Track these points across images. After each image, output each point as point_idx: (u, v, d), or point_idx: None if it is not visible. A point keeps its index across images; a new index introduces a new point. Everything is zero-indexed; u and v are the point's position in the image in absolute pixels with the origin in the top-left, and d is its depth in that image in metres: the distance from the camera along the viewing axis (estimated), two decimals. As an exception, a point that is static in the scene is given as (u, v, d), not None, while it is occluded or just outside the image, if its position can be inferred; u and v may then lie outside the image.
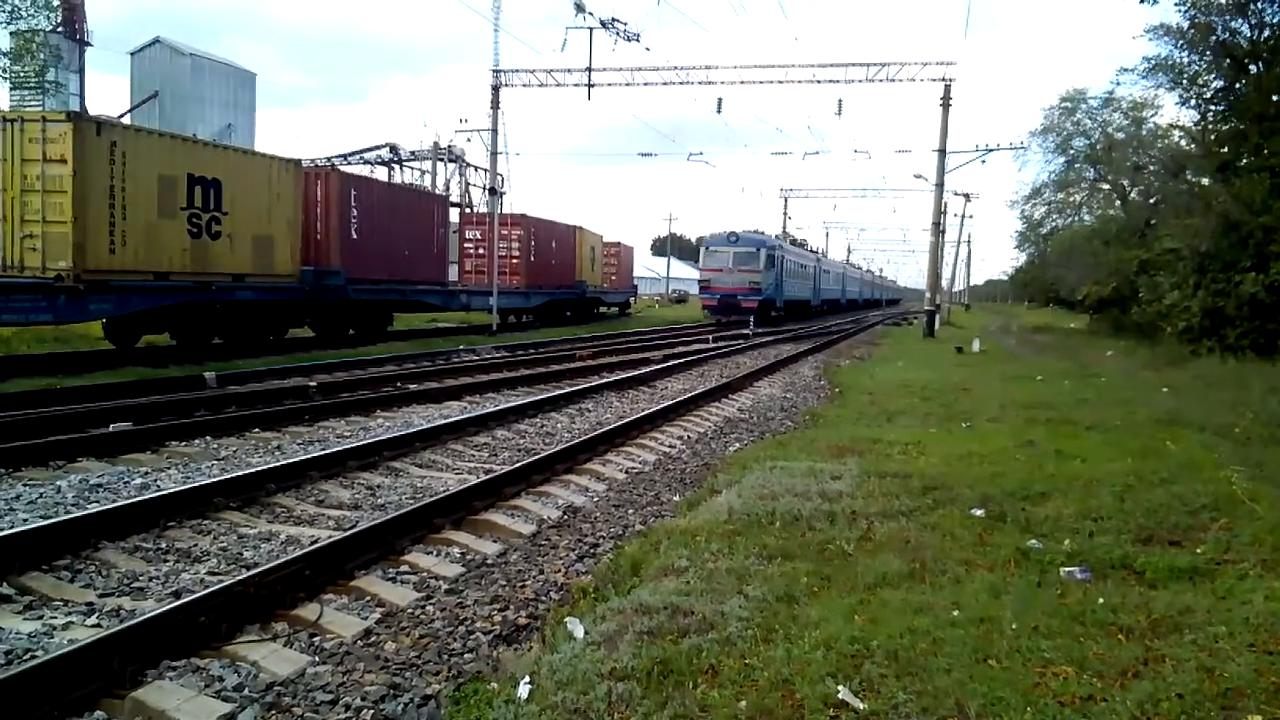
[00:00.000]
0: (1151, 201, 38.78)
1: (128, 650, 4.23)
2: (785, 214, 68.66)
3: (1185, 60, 27.95)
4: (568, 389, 15.02)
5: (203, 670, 4.33)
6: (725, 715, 3.75)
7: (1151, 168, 39.51)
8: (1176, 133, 36.25)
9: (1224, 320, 21.91)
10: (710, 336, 30.20)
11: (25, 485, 7.53)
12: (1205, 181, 28.17)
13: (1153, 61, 30.08)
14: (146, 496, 6.96)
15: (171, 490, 7.19)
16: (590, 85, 32.58)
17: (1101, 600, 5.04)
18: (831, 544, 6.16)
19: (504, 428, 11.44)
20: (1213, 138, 27.33)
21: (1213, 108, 27.20)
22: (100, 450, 8.85)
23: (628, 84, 33.01)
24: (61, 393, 12.06)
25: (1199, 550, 6.04)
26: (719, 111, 34.35)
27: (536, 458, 9.08)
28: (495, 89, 33.77)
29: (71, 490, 7.44)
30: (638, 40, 29.82)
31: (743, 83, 33.57)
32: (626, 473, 9.34)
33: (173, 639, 4.46)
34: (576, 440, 10.26)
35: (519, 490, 8.10)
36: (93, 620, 4.96)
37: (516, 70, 33.97)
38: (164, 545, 6.25)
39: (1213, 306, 22.13)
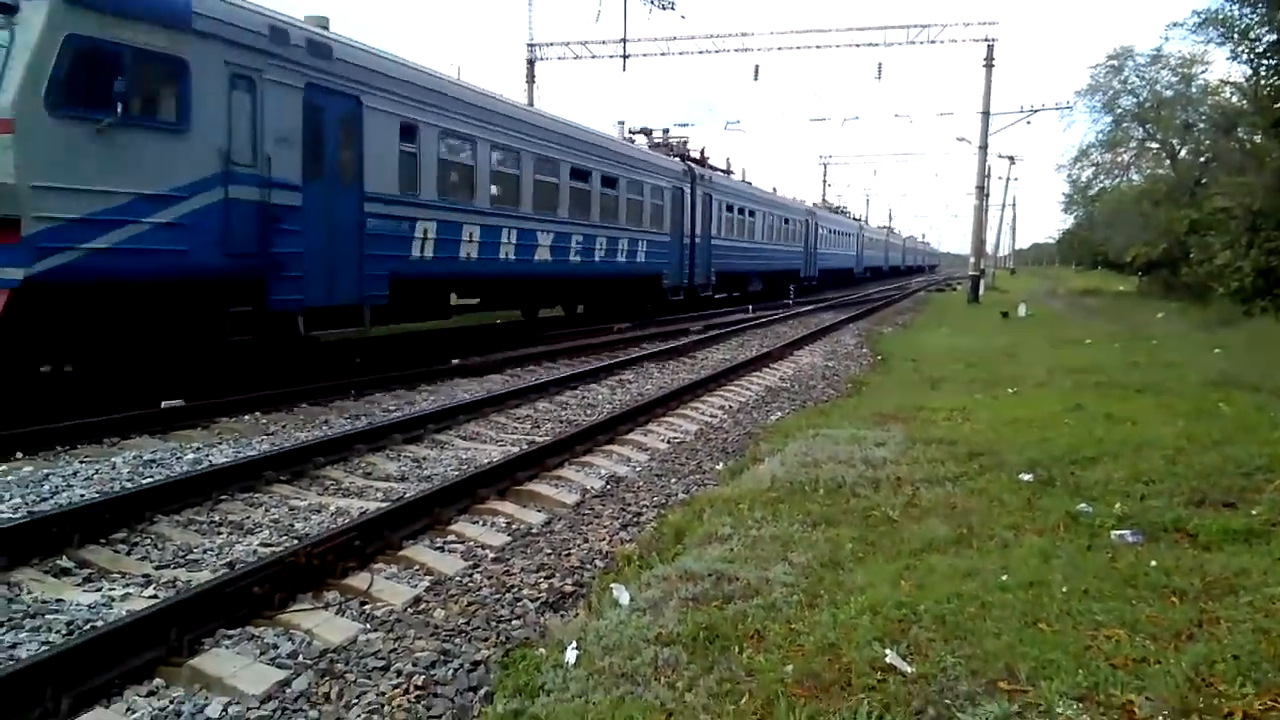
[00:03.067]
0: (1202, 160, 37.91)
1: (185, 620, 4.32)
2: (825, 181, 67.96)
3: (1236, 14, 27.14)
4: (608, 361, 15.05)
5: (257, 638, 4.42)
6: (772, 679, 3.75)
7: (1201, 125, 38.60)
8: (1227, 89, 35.28)
9: (1278, 280, 21.37)
10: (750, 306, 29.95)
11: (81, 462, 7.70)
12: (1258, 138, 27.41)
13: (1203, 16, 29.33)
14: (199, 471, 7.10)
15: (223, 464, 7.33)
16: (625, 56, 32.43)
17: (1154, 563, 4.98)
18: (876, 510, 6.13)
19: (545, 399, 11.49)
20: (1265, 93, 26.50)
21: (1265, 62, 26.33)
22: (153, 427, 9.02)
23: (663, 54, 32.91)
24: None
25: (1254, 512, 5.93)
26: (756, 79, 34.03)
27: (579, 429, 9.11)
28: (530, 63, 33.76)
29: (126, 466, 7.60)
30: (672, 8, 29.60)
31: (779, 49, 33.32)
32: (668, 442, 9.35)
33: (228, 608, 4.56)
34: (618, 411, 10.28)
35: (562, 461, 8.14)
36: (150, 591, 5.07)
37: (551, 44, 33.89)
38: (217, 518, 6.37)
39: (1266, 266, 21.60)
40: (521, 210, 17.01)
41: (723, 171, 31.89)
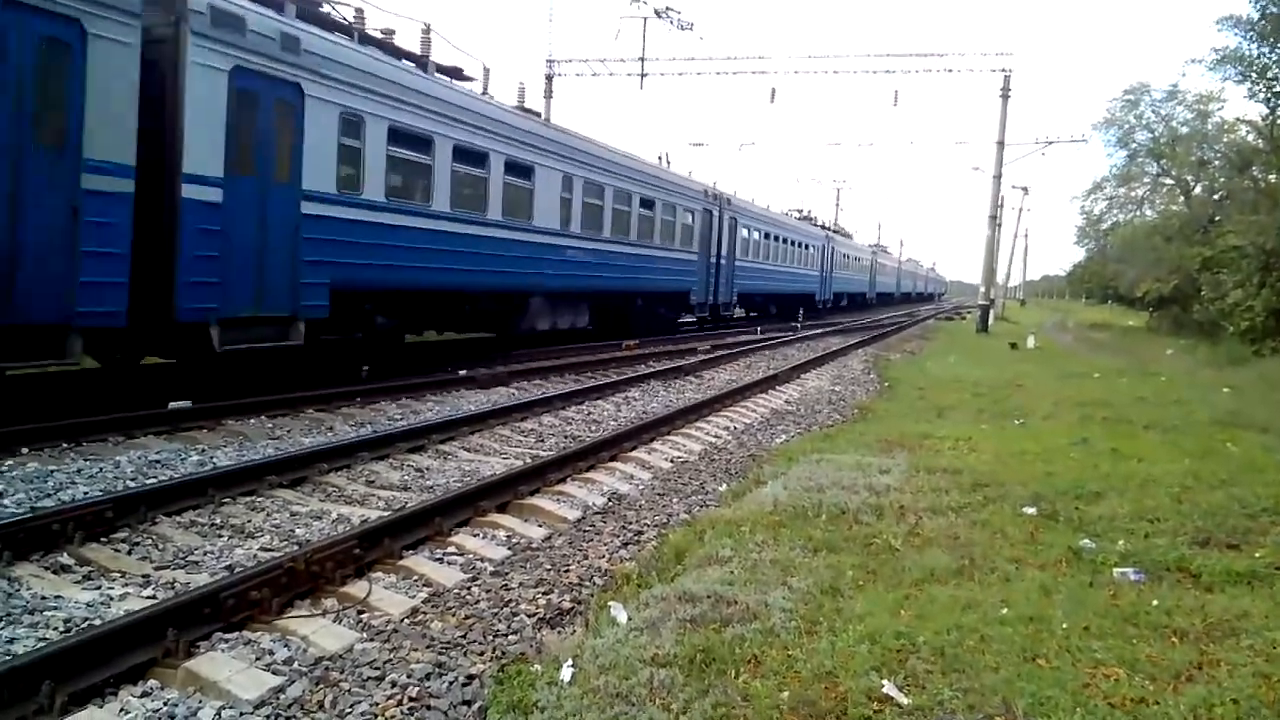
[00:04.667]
0: (1216, 197, 37.93)
1: (182, 621, 4.32)
2: (838, 205, 68.14)
3: (1255, 52, 27.23)
4: (614, 377, 15.07)
5: (254, 643, 4.42)
6: (767, 705, 3.74)
7: (1216, 163, 38.64)
8: (1243, 127, 35.32)
9: (1289, 320, 21.36)
10: (758, 328, 29.88)
11: (86, 460, 7.72)
12: (1272, 177, 27.45)
13: (1221, 53, 29.41)
14: (202, 473, 7.12)
15: (227, 467, 7.35)
16: (643, 75, 32.59)
17: (1155, 602, 4.95)
18: (878, 538, 6.12)
19: (551, 414, 11.49)
20: (1282, 132, 26.58)
21: (1282, 101, 26.44)
22: (159, 427, 9.03)
23: (680, 74, 33.00)
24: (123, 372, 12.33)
25: (1258, 554, 5.90)
26: (772, 101, 34.12)
27: (583, 444, 9.12)
28: (549, 79, 33.95)
29: (130, 465, 7.62)
30: (691, 29, 29.83)
31: (796, 72, 33.42)
32: (672, 461, 9.34)
33: (225, 612, 4.55)
34: (622, 428, 10.28)
35: (565, 476, 8.13)
36: (149, 592, 5.08)
37: (569, 60, 34.06)
38: (218, 520, 6.38)
39: (1277, 306, 21.56)
40: None
41: (409, 59, 14.40)
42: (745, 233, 30.92)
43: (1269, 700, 3.79)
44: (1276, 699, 3.81)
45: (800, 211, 46.16)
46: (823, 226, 46.84)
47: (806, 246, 40.28)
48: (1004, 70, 33.56)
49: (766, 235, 33.77)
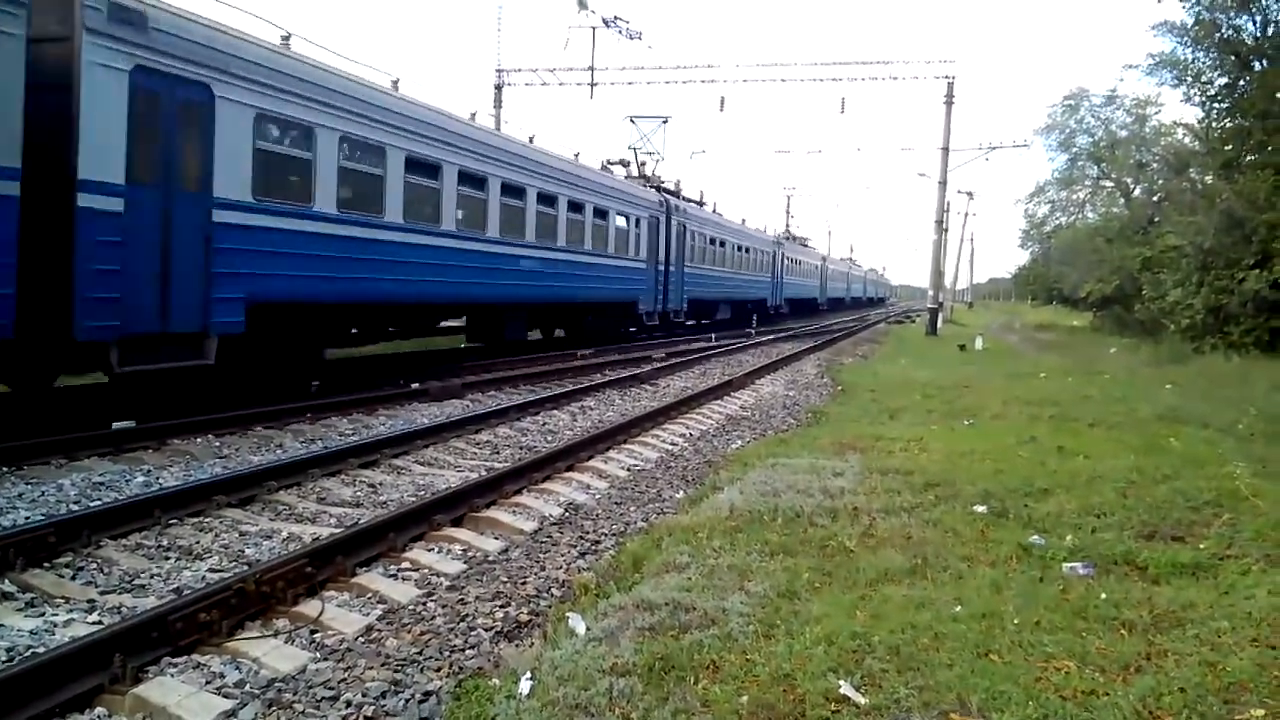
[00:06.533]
0: (1155, 199, 38.86)
1: (129, 646, 4.22)
2: (788, 212, 68.65)
3: (1189, 57, 28.01)
4: (570, 387, 15.03)
5: (204, 667, 4.33)
6: (726, 710, 3.74)
7: (1154, 165, 39.66)
8: (1180, 130, 36.30)
9: (1227, 317, 21.90)
10: (713, 335, 29.94)
11: (27, 483, 7.52)
12: (1208, 179, 28.21)
13: (1157, 58, 30.21)
14: (148, 494, 6.97)
15: (173, 487, 7.21)
16: (593, 84, 32.66)
17: (1104, 595, 5.05)
18: (833, 540, 6.16)
19: (506, 425, 11.43)
20: (1216, 135, 27.34)
21: (1216, 105, 27.19)
22: (103, 448, 8.84)
23: (630, 83, 33.14)
24: (63, 391, 12.04)
25: (1202, 546, 6.04)
26: (722, 110, 34.39)
27: (538, 455, 9.08)
28: (498, 88, 33.90)
29: (74, 488, 7.43)
30: (639, 38, 29.94)
31: (745, 81, 33.83)
32: (628, 470, 9.33)
33: (174, 635, 4.46)
34: (578, 438, 10.25)
35: (521, 487, 8.09)
36: (94, 617, 4.96)
37: (519, 70, 34.05)
38: (165, 542, 6.25)
39: (1216, 304, 22.12)
40: None
41: None
42: (366, 164, 13.24)
43: (1215, 688, 3.88)
44: (1222, 687, 3.90)
45: (625, 165, 29.77)
46: (668, 192, 29.26)
47: (622, 217, 24.16)
48: (948, 77, 34.19)
49: (478, 181, 16.43)
